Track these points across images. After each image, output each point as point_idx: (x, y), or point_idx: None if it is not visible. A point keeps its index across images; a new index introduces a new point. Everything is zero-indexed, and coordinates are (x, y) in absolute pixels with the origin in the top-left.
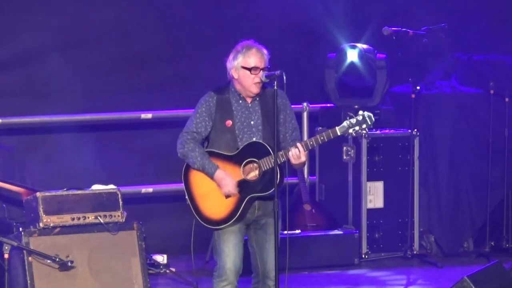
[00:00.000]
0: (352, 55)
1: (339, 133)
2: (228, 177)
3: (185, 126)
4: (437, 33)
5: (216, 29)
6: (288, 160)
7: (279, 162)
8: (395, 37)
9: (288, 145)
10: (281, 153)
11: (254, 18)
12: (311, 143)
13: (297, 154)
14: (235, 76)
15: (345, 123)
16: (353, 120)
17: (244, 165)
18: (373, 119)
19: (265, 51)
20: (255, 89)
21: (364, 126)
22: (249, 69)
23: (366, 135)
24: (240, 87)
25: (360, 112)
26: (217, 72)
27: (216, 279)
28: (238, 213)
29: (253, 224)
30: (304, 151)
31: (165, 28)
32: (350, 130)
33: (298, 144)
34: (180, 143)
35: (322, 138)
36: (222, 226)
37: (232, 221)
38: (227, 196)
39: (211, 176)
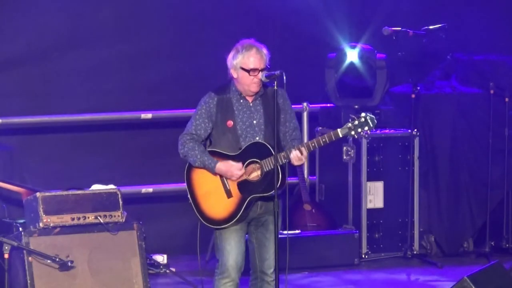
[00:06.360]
0: (352, 55)
1: (340, 135)
2: (229, 164)
3: (186, 126)
4: (437, 33)
5: (216, 29)
6: (289, 160)
7: (281, 163)
8: (395, 37)
9: (287, 144)
10: (283, 154)
11: (254, 18)
12: (313, 144)
13: (298, 156)
14: (235, 76)
15: (347, 125)
16: (355, 122)
17: (246, 166)
18: (375, 121)
19: (265, 51)
20: (254, 88)
21: (366, 128)
22: (248, 71)
23: (366, 135)
24: (240, 86)
25: (363, 114)
26: (217, 72)
27: (218, 277)
28: (240, 213)
29: (254, 221)
30: (307, 153)
31: (165, 28)
32: (352, 132)
33: (302, 148)
34: (181, 144)
35: (324, 140)
36: (224, 226)
37: (234, 221)
38: (230, 196)
39: (212, 171)
